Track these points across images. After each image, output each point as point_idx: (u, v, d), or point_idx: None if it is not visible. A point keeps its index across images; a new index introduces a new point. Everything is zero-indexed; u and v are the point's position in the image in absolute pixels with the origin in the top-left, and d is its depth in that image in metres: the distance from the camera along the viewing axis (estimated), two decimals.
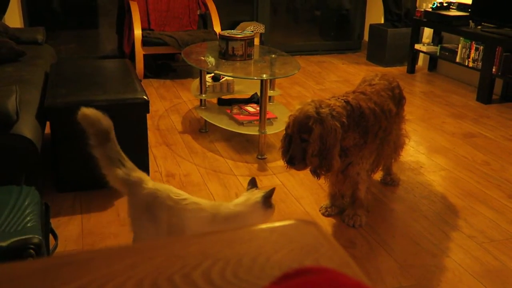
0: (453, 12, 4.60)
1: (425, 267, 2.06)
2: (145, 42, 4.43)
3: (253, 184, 1.83)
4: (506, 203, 2.58)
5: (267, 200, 1.73)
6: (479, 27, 4.37)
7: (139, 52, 4.43)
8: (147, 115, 2.62)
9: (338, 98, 2.20)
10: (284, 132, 2.22)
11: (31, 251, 1.46)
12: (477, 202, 2.59)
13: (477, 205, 2.55)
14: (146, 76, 4.63)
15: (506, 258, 2.12)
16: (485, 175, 2.88)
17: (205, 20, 5.09)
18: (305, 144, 2.10)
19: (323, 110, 2.08)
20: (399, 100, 2.50)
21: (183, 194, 1.77)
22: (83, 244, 2.15)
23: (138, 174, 1.79)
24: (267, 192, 1.75)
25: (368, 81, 2.46)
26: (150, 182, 1.78)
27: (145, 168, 2.66)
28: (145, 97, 2.57)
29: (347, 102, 2.17)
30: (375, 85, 2.39)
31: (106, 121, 1.71)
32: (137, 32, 4.40)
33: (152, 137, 3.28)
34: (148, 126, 3.42)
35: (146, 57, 4.56)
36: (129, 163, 1.79)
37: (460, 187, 2.74)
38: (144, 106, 2.56)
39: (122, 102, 2.52)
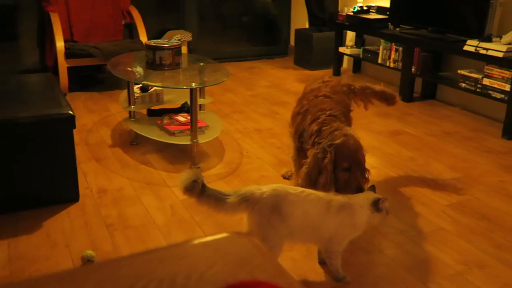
0: (373, 16, 4.80)
1: (360, 264, 2.12)
2: (68, 54, 4.28)
3: (373, 189, 2.01)
4: (432, 197, 2.71)
5: (376, 203, 1.91)
6: (398, 29, 4.58)
7: (63, 64, 4.27)
8: (74, 130, 2.53)
9: (330, 116, 2.22)
10: (322, 162, 2.09)
11: None
12: (405, 197, 2.70)
13: (405, 200, 2.67)
14: (71, 90, 4.48)
15: (434, 249, 2.23)
16: (411, 171, 3.02)
17: (131, 30, 5.00)
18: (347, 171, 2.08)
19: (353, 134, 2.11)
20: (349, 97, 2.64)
21: (297, 188, 1.92)
22: (10, 270, 2.04)
23: (245, 189, 1.87)
24: (379, 197, 1.92)
25: (321, 79, 2.55)
26: (261, 188, 1.87)
27: (74, 185, 2.57)
28: (70, 111, 2.48)
29: (336, 116, 2.23)
30: (328, 82, 2.49)
31: (198, 174, 1.83)
32: (59, 44, 4.25)
33: (80, 153, 3.17)
34: (76, 141, 3.31)
35: (70, 69, 4.41)
36: (229, 191, 1.87)
37: (389, 184, 2.85)
38: (69, 121, 2.47)
39: (46, 118, 2.42)
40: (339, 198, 1.93)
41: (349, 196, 1.97)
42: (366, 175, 2.14)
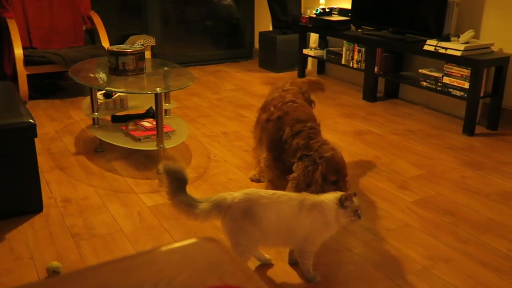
0: (335, 17, 4.86)
1: (330, 264, 2.14)
2: (27, 62, 4.18)
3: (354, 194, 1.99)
4: (397, 194, 2.76)
5: (341, 200, 1.90)
6: (360, 30, 4.66)
7: (22, 72, 4.17)
8: (36, 139, 2.47)
9: (311, 128, 2.27)
10: (313, 175, 2.13)
11: None
12: (371, 195, 2.74)
13: (372, 198, 2.71)
14: (32, 98, 4.37)
15: (401, 245, 2.27)
16: (376, 169, 3.07)
17: (93, 36, 4.91)
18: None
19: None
20: (309, 103, 2.66)
21: (268, 191, 1.94)
22: None
23: (217, 195, 1.89)
24: (346, 194, 1.91)
25: (281, 88, 2.57)
26: (233, 193, 1.89)
27: (37, 195, 2.51)
28: (31, 120, 2.42)
29: (315, 128, 2.30)
30: (289, 90, 2.51)
31: (184, 171, 1.85)
32: (18, 51, 4.14)
33: (43, 162, 3.10)
34: (38, 150, 3.22)
35: (30, 77, 4.30)
36: (201, 198, 1.88)
37: (355, 183, 2.89)
38: (30, 130, 2.41)
39: (6, 128, 2.35)
40: (310, 197, 1.95)
41: (320, 195, 1.98)
42: (348, 187, 2.19)
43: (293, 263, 2.11)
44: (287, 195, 1.94)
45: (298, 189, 2.14)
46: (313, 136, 2.22)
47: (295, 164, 2.19)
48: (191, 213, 1.84)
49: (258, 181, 2.85)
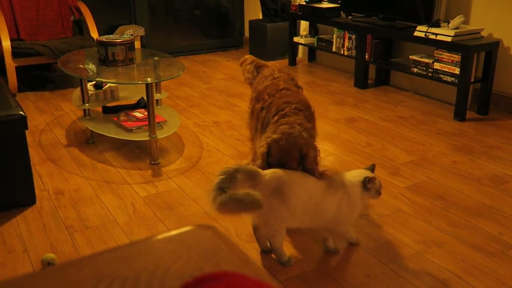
0: (325, 5, 4.84)
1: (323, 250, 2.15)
2: (16, 54, 4.13)
3: (371, 168, 2.11)
4: (390, 180, 2.77)
5: (365, 182, 1.99)
6: (350, 17, 4.65)
7: (10, 64, 4.12)
8: (27, 131, 2.45)
9: (295, 109, 2.14)
10: (261, 161, 2.05)
11: None
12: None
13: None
14: (21, 90, 4.33)
15: (394, 230, 2.29)
16: (368, 156, 3.08)
17: (81, 26, 4.86)
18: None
19: (303, 131, 2.03)
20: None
21: (300, 172, 1.97)
22: None
23: (251, 167, 1.90)
24: (369, 177, 2.00)
25: (271, 75, 2.52)
26: (262, 171, 1.91)
27: (30, 188, 2.50)
28: (21, 112, 2.40)
29: (301, 110, 2.17)
30: (279, 77, 2.47)
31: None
32: (6, 43, 4.09)
33: (34, 154, 3.08)
34: (29, 143, 3.21)
35: (19, 69, 4.26)
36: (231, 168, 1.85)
37: (347, 170, 2.89)
38: (21, 122, 2.38)
39: None
40: (336, 178, 2.02)
41: (344, 174, 2.06)
42: (309, 166, 2.07)
43: (328, 250, 2.13)
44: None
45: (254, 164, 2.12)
46: (289, 115, 2.11)
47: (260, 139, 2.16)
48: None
49: None
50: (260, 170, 1.90)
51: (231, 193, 1.74)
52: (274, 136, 2.03)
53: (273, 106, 2.25)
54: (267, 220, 1.89)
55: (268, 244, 2.04)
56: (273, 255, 2.07)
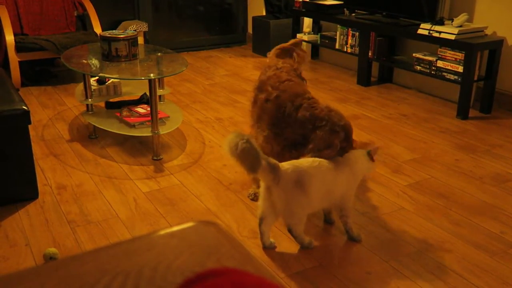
0: (329, 1, 4.83)
1: (325, 248, 2.15)
2: (19, 48, 4.14)
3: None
4: (392, 178, 2.77)
5: (369, 154, 2.14)
6: (353, 14, 4.64)
7: (14, 59, 4.13)
8: (29, 126, 2.46)
9: (309, 99, 2.31)
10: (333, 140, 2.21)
11: None
12: (366, 179, 2.75)
13: (366, 183, 2.72)
14: (24, 85, 4.33)
15: (395, 228, 2.29)
16: None
17: (84, 21, 4.86)
18: None
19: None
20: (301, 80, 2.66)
21: (307, 159, 2.07)
22: None
23: (273, 160, 1.96)
24: (373, 149, 2.15)
25: (274, 66, 2.57)
26: (282, 165, 1.98)
27: (32, 182, 2.50)
28: (24, 107, 2.40)
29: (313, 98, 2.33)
30: (282, 68, 2.53)
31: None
32: (9, 38, 4.10)
33: (37, 149, 3.08)
34: (32, 137, 3.21)
35: (22, 64, 4.27)
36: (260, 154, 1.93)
37: None
38: (24, 117, 2.39)
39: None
40: (339, 157, 2.13)
41: (349, 152, 2.17)
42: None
43: (329, 222, 2.31)
44: (322, 160, 2.07)
45: (316, 156, 2.23)
46: (315, 106, 2.28)
47: (313, 134, 2.23)
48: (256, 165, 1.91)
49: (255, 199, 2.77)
50: (280, 165, 1.98)
51: (253, 142, 1.88)
52: (342, 123, 2.19)
53: (287, 102, 2.31)
54: (292, 210, 2.00)
55: (289, 231, 2.10)
56: (295, 241, 2.13)
